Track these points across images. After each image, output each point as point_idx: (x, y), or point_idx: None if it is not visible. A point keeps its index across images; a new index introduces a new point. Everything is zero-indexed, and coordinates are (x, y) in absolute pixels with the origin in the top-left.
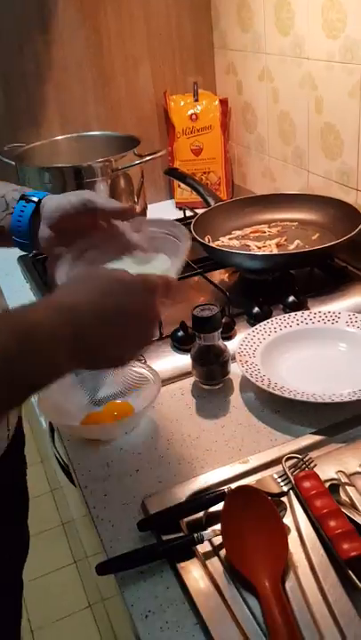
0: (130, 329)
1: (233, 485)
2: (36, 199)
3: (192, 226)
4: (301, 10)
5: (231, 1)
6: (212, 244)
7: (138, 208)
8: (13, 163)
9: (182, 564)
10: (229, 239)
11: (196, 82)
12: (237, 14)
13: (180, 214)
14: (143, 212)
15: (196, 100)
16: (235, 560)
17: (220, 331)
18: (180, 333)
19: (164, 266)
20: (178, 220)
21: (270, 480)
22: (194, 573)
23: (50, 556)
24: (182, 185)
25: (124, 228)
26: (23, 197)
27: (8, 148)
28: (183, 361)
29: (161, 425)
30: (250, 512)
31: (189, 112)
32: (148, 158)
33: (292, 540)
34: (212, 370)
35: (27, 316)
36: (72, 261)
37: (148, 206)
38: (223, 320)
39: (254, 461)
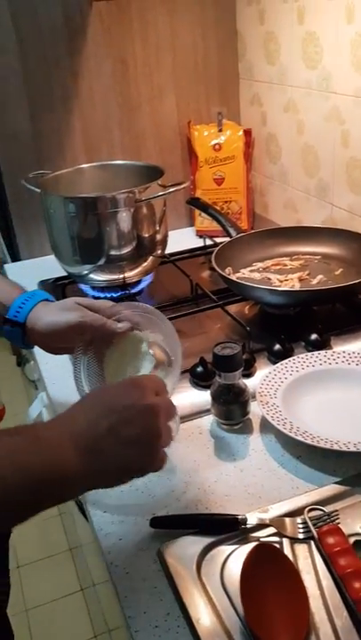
0: (131, 450)
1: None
2: (20, 322)
3: (213, 256)
4: (330, 45)
5: (258, 33)
6: (232, 277)
7: (159, 237)
8: (38, 190)
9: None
10: (250, 271)
11: (221, 112)
12: (264, 46)
13: (199, 242)
14: (164, 240)
15: (220, 131)
16: (254, 623)
17: (241, 370)
18: (200, 369)
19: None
20: (197, 248)
21: (290, 524)
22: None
23: (56, 582)
24: (203, 214)
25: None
26: (6, 321)
27: (33, 176)
28: (202, 397)
29: (179, 465)
30: (269, 570)
31: (213, 142)
32: (171, 190)
33: (314, 598)
34: (231, 410)
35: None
36: (83, 363)
37: (169, 233)
38: (243, 357)
39: (275, 511)
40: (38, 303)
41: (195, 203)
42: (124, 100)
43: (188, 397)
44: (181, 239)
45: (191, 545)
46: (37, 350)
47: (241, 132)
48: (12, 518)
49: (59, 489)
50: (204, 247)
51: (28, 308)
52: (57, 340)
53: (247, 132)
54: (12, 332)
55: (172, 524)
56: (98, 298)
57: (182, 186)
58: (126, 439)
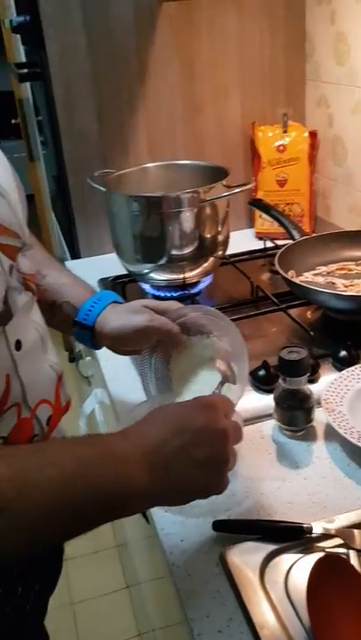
0: (199, 472)
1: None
2: (89, 325)
3: (276, 259)
4: None
5: (328, 33)
6: (296, 280)
7: (221, 237)
8: (104, 189)
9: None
10: (314, 275)
11: (286, 113)
12: (334, 47)
13: (259, 244)
14: (226, 241)
15: (285, 132)
16: (321, 635)
17: (307, 375)
18: (262, 372)
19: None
20: (257, 250)
21: (359, 536)
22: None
23: (102, 577)
24: (264, 215)
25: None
26: (76, 324)
27: (98, 174)
28: (264, 401)
29: (240, 470)
30: (337, 583)
31: (277, 143)
32: (236, 191)
33: None
34: (295, 415)
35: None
36: (150, 365)
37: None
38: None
39: (341, 521)
40: (107, 306)
41: (257, 204)
42: (188, 101)
43: (250, 401)
44: (241, 241)
45: (254, 551)
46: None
47: (306, 134)
48: (79, 529)
49: (126, 504)
50: (264, 249)
51: (96, 311)
52: (125, 343)
53: (313, 134)
54: (82, 334)
55: (236, 529)
56: (158, 297)
57: (248, 186)
58: (196, 461)
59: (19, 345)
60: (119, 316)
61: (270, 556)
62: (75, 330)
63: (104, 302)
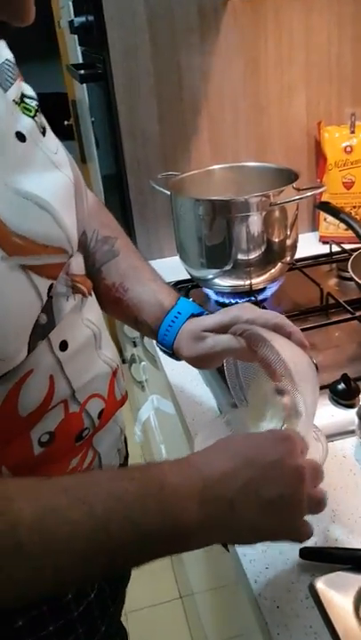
0: (266, 514)
1: None
2: (168, 348)
3: (350, 264)
4: None
5: None
6: None
7: (289, 242)
8: (168, 192)
9: None
10: None
11: (354, 113)
12: None
13: (323, 249)
14: (294, 245)
15: (353, 132)
16: None
17: None
18: (341, 386)
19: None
20: (323, 255)
21: None
22: None
23: (155, 587)
24: (329, 218)
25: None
26: (157, 343)
27: (161, 177)
28: (343, 416)
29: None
30: None
31: (344, 144)
32: (308, 194)
33: None
34: None
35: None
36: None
37: None
38: None
39: None
40: (184, 324)
41: (324, 207)
42: (252, 101)
43: (328, 416)
44: (304, 245)
45: (347, 582)
46: (163, 355)
47: None
48: (119, 568)
49: (177, 543)
50: (330, 254)
51: (172, 335)
52: (205, 366)
53: None
54: (165, 352)
55: (326, 558)
56: (222, 304)
57: (320, 190)
58: (264, 500)
59: (64, 345)
60: (188, 344)
61: None
62: (158, 347)
63: (180, 321)
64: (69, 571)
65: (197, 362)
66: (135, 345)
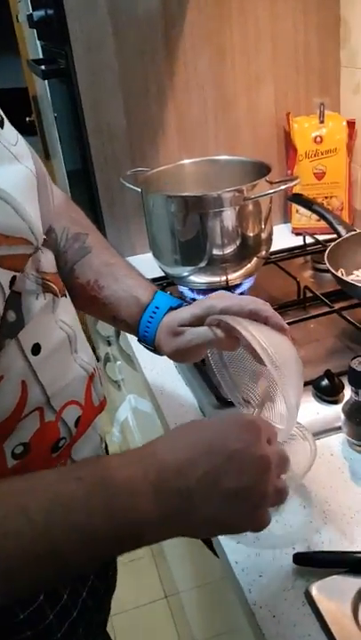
0: (227, 505)
1: None
2: (149, 344)
3: (326, 256)
4: None
5: None
6: (348, 279)
7: (264, 236)
8: (139, 189)
9: None
10: None
11: (323, 103)
12: None
13: (297, 241)
14: (269, 239)
15: (322, 122)
16: None
17: None
18: (325, 382)
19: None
20: (297, 247)
21: None
22: None
23: (140, 587)
24: (301, 210)
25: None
26: (139, 340)
27: (131, 173)
28: (328, 412)
29: (313, 491)
30: None
31: (314, 134)
32: (282, 187)
33: None
34: None
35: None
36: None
37: None
38: None
39: None
40: (162, 319)
41: (297, 199)
42: (219, 93)
43: (313, 413)
44: (277, 237)
45: (344, 587)
46: (140, 356)
47: (344, 123)
48: (75, 571)
49: (126, 545)
50: (304, 246)
51: (152, 332)
52: (187, 360)
53: (351, 123)
54: (147, 348)
55: (320, 563)
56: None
57: (294, 182)
58: (226, 491)
59: (37, 349)
60: (167, 339)
61: None
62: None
63: (159, 316)
64: (18, 577)
65: (178, 356)
66: (110, 344)
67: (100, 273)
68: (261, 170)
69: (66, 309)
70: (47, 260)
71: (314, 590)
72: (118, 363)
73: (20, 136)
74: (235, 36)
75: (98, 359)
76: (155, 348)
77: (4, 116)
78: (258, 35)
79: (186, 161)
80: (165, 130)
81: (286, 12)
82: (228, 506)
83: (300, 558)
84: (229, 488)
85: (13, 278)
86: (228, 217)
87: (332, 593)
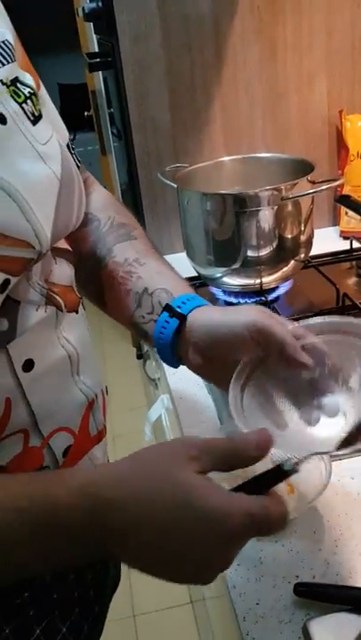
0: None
1: None
2: (182, 313)
3: None
4: None
5: None
6: None
7: (303, 238)
8: (175, 185)
9: None
10: None
11: None
12: None
13: (345, 245)
14: (309, 242)
15: None
16: None
17: None
18: None
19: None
20: (342, 252)
21: None
22: None
23: (166, 591)
24: (350, 212)
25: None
26: (167, 308)
27: (170, 169)
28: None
29: (326, 517)
30: None
31: None
32: (323, 187)
33: None
34: None
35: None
36: (241, 391)
37: None
38: None
39: None
40: (204, 305)
41: (345, 201)
42: (269, 89)
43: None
44: (322, 241)
45: (345, 626)
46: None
47: None
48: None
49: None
50: (351, 250)
51: (194, 303)
52: (218, 346)
53: None
54: (166, 330)
55: (323, 597)
56: (230, 304)
57: (336, 183)
58: (176, 572)
59: (29, 365)
60: (220, 312)
61: None
62: (160, 320)
63: (202, 301)
64: None
65: (208, 340)
66: None
67: (143, 254)
68: (305, 168)
69: (73, 326)
70: (61, 272)
71: (312, 626)
72: (154, 363)
73: (55, 138)
74: (288, 29)
75: (139, 357)
76: (179, 328)
77: (43, 115)
78: (311, 29)
79: (225, 158)
80: (211, 126)
81: (343, 6)
82: (178, 570)
83: (301, 590)
84: (180, 570)
85: (6, 281)
86: (265, 217)
87: (331, 631)
